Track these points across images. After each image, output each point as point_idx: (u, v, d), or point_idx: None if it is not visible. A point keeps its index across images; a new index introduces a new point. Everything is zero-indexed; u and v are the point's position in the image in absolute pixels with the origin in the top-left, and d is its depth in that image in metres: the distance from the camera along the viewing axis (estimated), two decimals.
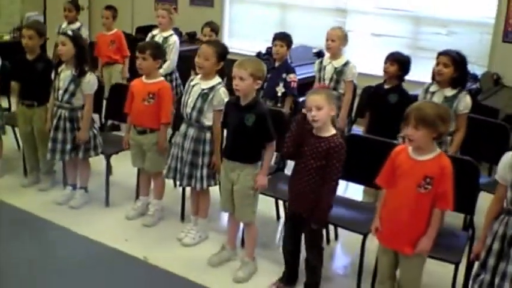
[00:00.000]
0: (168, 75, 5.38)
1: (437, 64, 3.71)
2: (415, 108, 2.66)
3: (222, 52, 3.49)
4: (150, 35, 5.46)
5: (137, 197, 4.07)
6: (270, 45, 6.56)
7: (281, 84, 4.67)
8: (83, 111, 3.87)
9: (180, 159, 3.50)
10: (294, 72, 4.73)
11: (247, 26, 7.64)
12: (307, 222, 2.97)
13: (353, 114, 4.92)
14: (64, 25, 5.71)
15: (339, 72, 4.46)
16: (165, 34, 5.31)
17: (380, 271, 2.92)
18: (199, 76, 3.51)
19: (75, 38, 3.80)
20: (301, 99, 5.08)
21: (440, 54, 3.74)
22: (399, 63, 4.13)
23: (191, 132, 3.46)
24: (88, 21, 8.45)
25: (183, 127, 3.53)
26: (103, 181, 4.17)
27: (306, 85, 5.54)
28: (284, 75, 4.67)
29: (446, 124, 2.64)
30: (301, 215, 2.99)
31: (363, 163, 3.26)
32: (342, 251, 3.82)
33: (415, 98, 3.93)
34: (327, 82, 4.48)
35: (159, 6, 5.48)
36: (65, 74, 3.84)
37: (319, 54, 6.73)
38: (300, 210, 3.00)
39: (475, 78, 5.88)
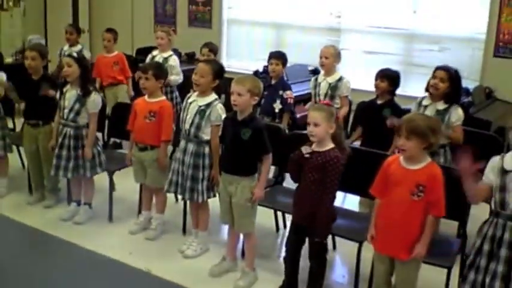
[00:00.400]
0: (168, 94, 5.53)
1: (434, 77, 3.83)
2: (406, 119, 2.81)
3: (218, 70, 3.64)
4: (150, 56, 5.61)
5: (139, 212, 4.19)
6: (266, 63, 6.83)
7: (278, 101, 4.81)
8: (88, 129, 4.00)
9: (181, 174, 3.63)
10: (290, 89, 4.87)
11: (244, 46, 7.81)
12: (310, 234, 3.09)
13: (348, 129, 5.04)
14: (66, 47, 5.89)
15: (333, 88, 4.61)
16: (165, 55, 5.47)
17: (376, 278, 3.03)
18: (196, 93, 3.66)
19: (80, 60, 3.97)
20: (298, 115, 5.24)
21: (438, 68, 3.86)
22: (389, 78, 4.29)
23: (190, 147, 3.59)
24: (89, 43, 8.64)
25: (182, 143, 3.66)
26: (106, 197, 4.29)
27: (303, 101, 5.73)
28: (281, 92, 4.82)
29: (437, 135, 2.78)
30: (304, 227, 3.11)
31: (358, 174, 3.36)
32: (340, 259, 3.92)
33: (407, 112, 4.04)
34: (322, 98, 4.63)
35: (158, 28, 5.64)
36: (70, 93, 3.98)
37: (315, 72, 6.90)
38: (302, 223, 3.12)
39: (467, 92, 6.03)
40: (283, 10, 7.37)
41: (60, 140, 4.01)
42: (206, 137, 3.57)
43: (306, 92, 5.71)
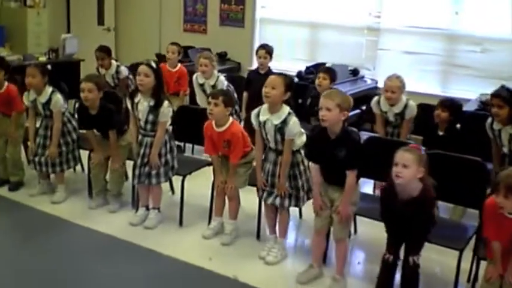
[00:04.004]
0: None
1: (492, 106, 3.86)
2: (504, 176, 2.76)
3: (290, 83, 3.58)
4: (195, 81, 5.45)
5: (210, 217, 4.13)
6: (306, 64, 6.81)
7: None
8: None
9: (271, 184, 3.64)
10: None
11: (278, 45, 7.64)
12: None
13: None
14: (103, 71, 5.63)
15: (401, 114, 4.46)
16: (212, 82, 5.33)
17: None
18: (265, 108, 3.57)
19: (157, 71, 3.91)
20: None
21: (492, 96, 3.90)
22: (451, 109, 4.24)
23: (282, 159, 3.58)
24: (114, 42, 8.54)
25: (272, 155, 3.63)
26: (170, 201, 4.30)
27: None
28: None
29: None
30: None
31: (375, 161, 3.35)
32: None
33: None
34: (391, 121, 4.52)
35: (201, 55, 5.40)
36: (143, 105, 3.92)
37: (355, 73, 6.92)
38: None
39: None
40: (318, 9, 7.32)
41: (142, 150, 3.99)
42: (294, 148, 3.56)
43: (349, 92, 5.64)
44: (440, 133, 4.29)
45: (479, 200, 3.40)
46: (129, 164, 4.32)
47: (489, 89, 5.70)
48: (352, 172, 3.21)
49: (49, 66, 4.56)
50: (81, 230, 4.05)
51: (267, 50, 5.36)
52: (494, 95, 3.87)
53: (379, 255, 3.21)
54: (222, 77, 5.43)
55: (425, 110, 4.67)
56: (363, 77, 7.02)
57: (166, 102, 3.94)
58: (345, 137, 3.21)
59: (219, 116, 3.78)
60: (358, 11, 7.08)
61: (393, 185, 2.96)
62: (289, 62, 7.30)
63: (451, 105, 4.27)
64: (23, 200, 4.49)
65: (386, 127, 4.56)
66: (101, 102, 4.21)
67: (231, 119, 3.87)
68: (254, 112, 3.66)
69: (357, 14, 7.08)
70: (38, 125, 4.49)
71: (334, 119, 3.16)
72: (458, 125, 4.33)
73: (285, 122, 3.49)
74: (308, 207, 3.66)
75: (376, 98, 4.61)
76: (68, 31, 8.77)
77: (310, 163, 3.47)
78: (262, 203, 3.82)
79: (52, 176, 4.62)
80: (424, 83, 6.64)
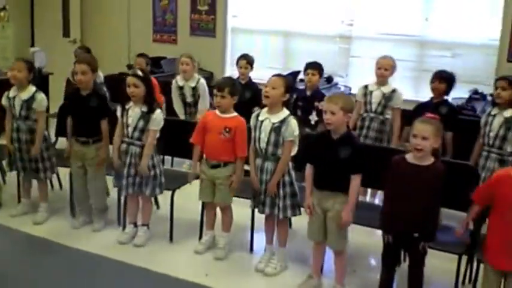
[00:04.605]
0: None
1: (496, 88, 4.04)
2: None
3: (290, 84, 3.60)
4: (174, 84, 5.44)
5: (201, 231, 4.05)
6: (281, 73, 6.79)
7: (314, 113, 4.81)
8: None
9: (262, 192, 3.56)
10: None
11: (250, 55, 7.70)
12: (414, 241, 3.05)
13: None
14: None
15: (388, 98, 4.62)
16: (192, 84, 5.36)
17: None
18: (265, 110, 3.57)
19: (147, 79, 3.82)
20: None
21: (498, 79, 4.13)
22: (447, 80, 4.47)
23: (268, 165, 3.52)
24: None
25: (258, 161, 3.58)
26: (156, 216, 4.21)
27: None
28: (316, 104, 4.82)
29: None
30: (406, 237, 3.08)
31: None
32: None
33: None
34: (374, 107, 4.64)
35: (183, 54, 5.41)
36: (134, 111, 3.82)
37: (329, 80, 6.96)
38: (408, 229, 3.05)
39: (484, 98, 6.21)
40: (290, 18, 7.33)
41: (125, 159, 3.85)
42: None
43: None
44: (435, 101, 4.50)
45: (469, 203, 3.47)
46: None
47: (461, 93, 5.91)
48: (357, 176, 3.20)
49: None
50: (69, 251, 3.90)
51: (247, 60, 5.34)
52: (500, 78, 4.12)
53: (374, 262, 3.23)
54: (203, 80, 5.43)
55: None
56: (336, 83, 7.06)
57: (159, 110, 3.85)
58: (349, 137, 3.23)
59: (227, 107, 3.70)
60: (330, 19, 7.13)
61: (404, 157, 3.03)
62: (263, 71, 7.25)
63: (448, 77, 4.49)
64: (4, 221, 4.29)
65: (363, 121, 4.65)
66: (95, 85, 4.08)
67: (236, 113, 3.77)
68: (254, 113, 3.64)
69: (330, 22, 7.13)
70: None
71: (339, 122, 3.18)
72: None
73: (283, 122, 3.47)
74: (297, 217, 3.67)
75: (362, 85, 4.80)
76: (33, 44, 8.54)
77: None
78: (259, 213, 3.74)
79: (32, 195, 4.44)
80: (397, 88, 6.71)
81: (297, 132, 3.51)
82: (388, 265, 3.21)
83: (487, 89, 6.27)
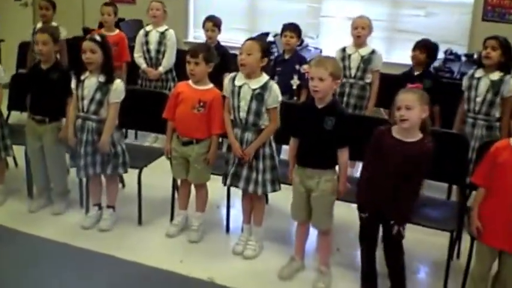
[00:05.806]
0: (164, 74, 5.04)
1: (485, 48, 3.75)
2: None
3: (267, 47, 3.30)
4: (142, 31, 5.07)
5: (172, 211, 3.76)
6: (248, 35, 6.43)
7: (295, 77, 4.49)
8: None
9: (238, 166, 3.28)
10: (307, 62, 4.54)
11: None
12: (389, 222, 2.82)
13: None
14: (39, 25, 5.09)
15: (366, 61, 4.36)
16: (161, 29, 5.00)
17: (477, 271, 2.83)
18: (241, 75, 3.25)
19: (105, 45, 3.41)
20: None
21: (488, 38, 3.80)
22: (428, 50, 4.21)
23: (248, 136, 3.22)
24: (32, 17, 7.74)
25: (237, 131, 3.26)
26: (122, 196, 3.87)
27: None
28: (297, 67, 4.50)
29: None
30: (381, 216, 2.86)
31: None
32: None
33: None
34: (353, 71, 4.38)
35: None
36: (90, 81, 3.42)
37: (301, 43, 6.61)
38: (381, 208, 2.83)
39: (458, 58, 6.03)
40: None
41: (81, 136, 3.47)
42: (266, 123, 3.21)
43: None
44: (417, 72, 4.26)
45: (461, 176, 3.30)
46: None
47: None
48: (345, 150, 2.94)
49: None
50: (26, 237, 3.54)
51: (214, 22, 4.93)
52: (491, 37, 3.80)
53: (357, 240, 3.02)
54: (172, 31, 5.05)
55: None
56: (307, 45, 6.73)
57: (118, 80, 3.48)
58: (333, 106, 2.94)
59: (201, 75, 3.36)
60: None
61: (390, 129, 2.78)
62: (229, 32, 6.87)
63: (429, 46, 4.27)
64: None
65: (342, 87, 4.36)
66: (57, 59, 3.73)
67: (212, 85, 3.44)
68: (229, 76, 3.30)
69: None
70: None
71: (327, 89, 2.88)
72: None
73: (265, 88, 3.16)
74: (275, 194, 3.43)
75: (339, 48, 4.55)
76: None
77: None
78: (235, 190, 3.46)
79: None
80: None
81: (280, 98, 3.22)
82: (366, 246, 3.00)
83: (461, 49, 6.12)
